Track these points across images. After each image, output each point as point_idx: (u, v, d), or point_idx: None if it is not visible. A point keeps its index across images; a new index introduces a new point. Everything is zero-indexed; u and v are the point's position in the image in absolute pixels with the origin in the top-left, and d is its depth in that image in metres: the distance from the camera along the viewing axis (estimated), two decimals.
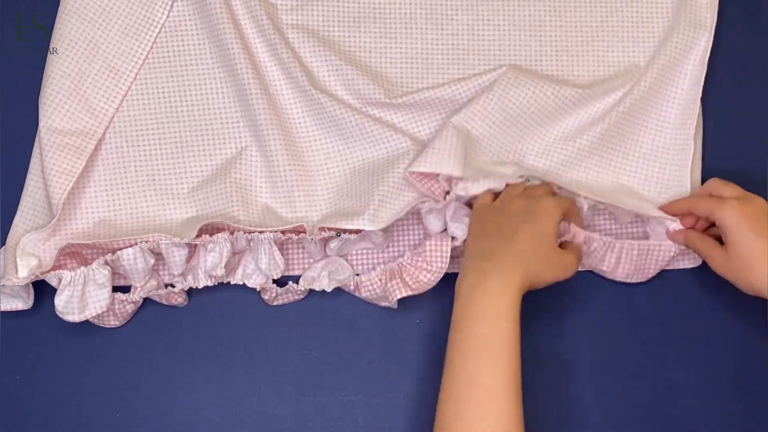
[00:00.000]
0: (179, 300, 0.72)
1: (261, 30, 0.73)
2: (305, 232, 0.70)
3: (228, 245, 0.68)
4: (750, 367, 0.72)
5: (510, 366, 0.58)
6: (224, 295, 0.73)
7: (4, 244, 0.70)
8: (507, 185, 0.68)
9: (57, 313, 0.66)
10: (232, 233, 0.69)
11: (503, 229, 0.64)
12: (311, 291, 0.72)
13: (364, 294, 0.70)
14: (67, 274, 0.66)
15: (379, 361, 0.72)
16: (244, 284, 0.71)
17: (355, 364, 0.72)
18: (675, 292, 0.74)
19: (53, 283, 0.67)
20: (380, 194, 0.70)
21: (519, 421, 0.57)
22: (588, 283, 0.73)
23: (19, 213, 0.70)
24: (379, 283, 0.69)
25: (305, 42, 0.74)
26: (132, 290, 0.70)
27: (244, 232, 0.69)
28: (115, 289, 0.70)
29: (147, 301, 0.71)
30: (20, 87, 0.74)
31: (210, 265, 0.69)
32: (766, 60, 0.78)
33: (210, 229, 0.70)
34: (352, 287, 0.71)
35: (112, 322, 0.71)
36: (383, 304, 0.71)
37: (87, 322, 0.69)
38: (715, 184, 0.69)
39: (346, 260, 0.73)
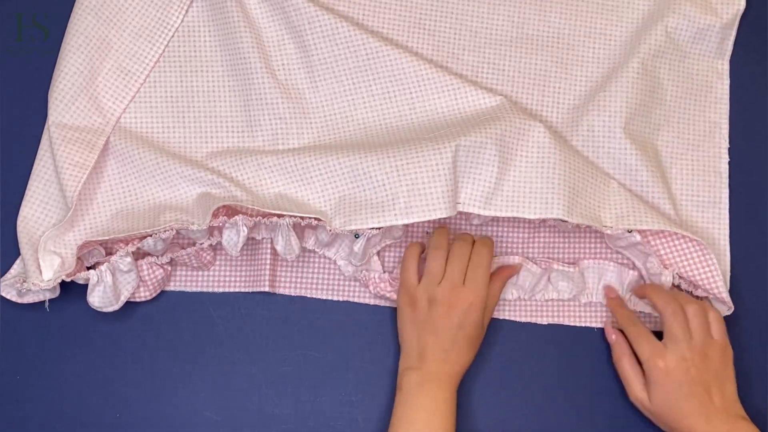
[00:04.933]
0: (208, 258, 0.71)
1: (290, 28, 0.72)
2: (323, 221, 0.67)
3: (245, 228, 0.67)
4: None
5: None
6: (224, 295, 0.73)
7: (4, 243, 0.71)
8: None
9: (94, 308, 0.67)
10: (249, 216, 0.68)
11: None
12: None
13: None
14: (93, 274, 0.66)
15: (379, 361, 0.72)
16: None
17: (355, 364, 0.72)
18: None
19: (80, 282, 0.67)
20: (408, 182, 0.66)
21: None
22: None
23: (27, 206, 0.69)
24: None
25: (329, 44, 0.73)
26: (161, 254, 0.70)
27: (263, 216, 0.67)
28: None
29: (147, 301, 0.72)
30: (20, 87, 0.74)
31: (227, 246, 0.68)
32: None
33: (229, 213, 0.69)
34: None
35: (143, 294, 0.70)
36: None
37: (84, 322, 0.70)
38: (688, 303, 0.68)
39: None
